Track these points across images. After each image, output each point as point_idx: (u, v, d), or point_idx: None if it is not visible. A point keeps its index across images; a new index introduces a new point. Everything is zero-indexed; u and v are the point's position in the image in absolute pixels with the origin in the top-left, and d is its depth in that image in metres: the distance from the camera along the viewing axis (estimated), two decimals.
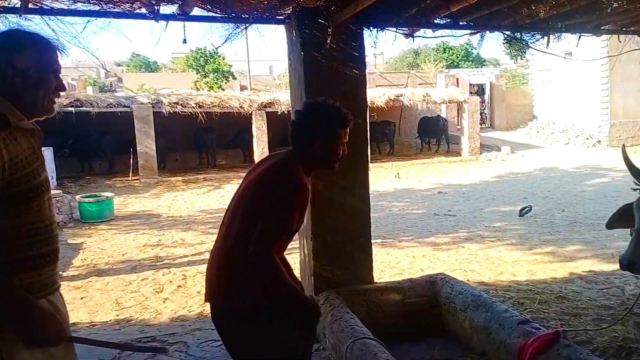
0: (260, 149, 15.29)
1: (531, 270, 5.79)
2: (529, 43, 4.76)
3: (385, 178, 14.32)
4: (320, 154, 2.22)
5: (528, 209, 8.91)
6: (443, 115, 20.16)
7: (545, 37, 4.66)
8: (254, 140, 15.45)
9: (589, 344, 3.81)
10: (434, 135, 19.02)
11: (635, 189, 2.82)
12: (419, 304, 3.99)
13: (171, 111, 14.42)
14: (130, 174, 14.20)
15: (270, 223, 2.05)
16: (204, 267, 6.15)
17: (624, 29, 4.77)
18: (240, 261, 2.04)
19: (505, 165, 16.24)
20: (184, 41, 3.85)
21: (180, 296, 5.12)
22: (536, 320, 3.70)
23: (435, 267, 5.94)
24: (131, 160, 14.20)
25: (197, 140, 16.26)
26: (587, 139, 18.90)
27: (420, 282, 4.11)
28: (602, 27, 4.78)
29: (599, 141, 18.50)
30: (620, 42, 5.10)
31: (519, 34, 4.57)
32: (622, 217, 2.84)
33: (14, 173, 1.53)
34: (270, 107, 15.43)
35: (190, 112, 14.51)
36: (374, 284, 4.06)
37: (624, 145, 2.87)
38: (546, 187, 11.92)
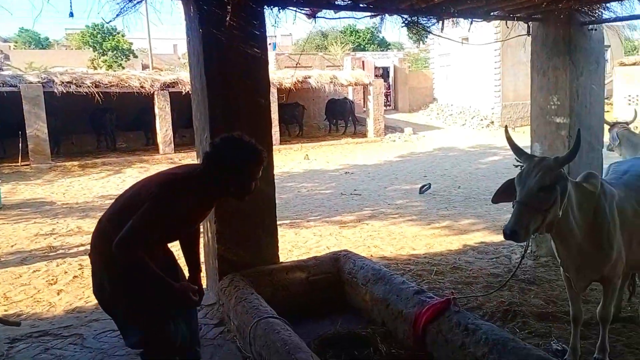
0: (163, 131, 14.72)
1: (429, 244, 6.13)
2: (426, 27, 4.96)
3: (294, 160, 14.40)
4: (232, 188, 2.32)
5: (427, 186, 9.38)
6: (350, 97, 20.58)
7: (441, 22, 4.89)
8: (157, 121, 14.83)
9: (478, 309, 4.12)
10: (341, 117, 19.38)
11: (516, 166, 3.05)
12: (323, 280, 4.09)
13: (64, 91, 13.40)
14: (20, 159, 13.08)
15: (135, 222, 2.20)
16: None
17: (511, 15, 5.12)
18: (108, 245, 2.22)
19: (407, 145, 16.96)
20: (71, 14, 3.59)
21: (76, 287, 4.83)
22: (432, 290, 3.94)
23: (341, 244, 6.10)
24: (20, 145, 13.06)
25: (94, 122, 15.29)
26: (482, 120, 20.21)
27: (325, 260, 4.20)
28: (492, 13, 5.09)
29: (492, 122, 19.87)
30: (507, 27, 5.47)
31: (416, 18, 4.74)
32: (506, 192, 3.04)
33: None
34: (173, 87, 14.85)
35: (86, 92, 13.59)
36: (280, 264, 4.09)
37: (506, 125, 3.09)
38: (444, 165, 12.62)
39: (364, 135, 18.50)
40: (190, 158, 12.79)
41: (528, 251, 5.63)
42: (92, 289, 2.50)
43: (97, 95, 13.64)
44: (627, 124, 6.68)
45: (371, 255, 5.57)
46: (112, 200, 2.60)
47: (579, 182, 3.08)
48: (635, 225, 3.10)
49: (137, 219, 2.19)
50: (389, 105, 23.49)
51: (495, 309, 4.12)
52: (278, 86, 15.96)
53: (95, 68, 23.19)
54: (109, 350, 3.27)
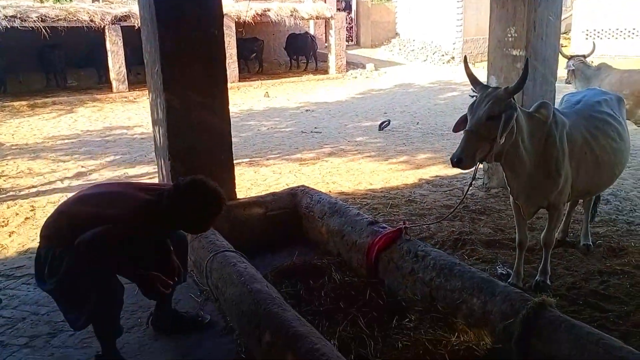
0: (116, 68, 14.07)
1: (386, 178, 6.23)
2: None
3: (254, 97, 14.12)
4: (191, 231, 2.62)
5: (387, 123, 9.42)
6: (311, 32, 20.05)
7: None
8: (109, 58, 14.14)
9: (430, 239, 4.28)
10: (302, 53, 18.94)
11: (472, 96, 3.08)
12: (281, 215, 4.14)
13: (8, 26, 12.51)
14: None
15: (99, 232, 2.24)
16: (55, 197, 5.73)
17: None
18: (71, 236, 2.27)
19: (369, 82, 16.83)
20: None
21: (28, 229, 4.74)
22: (386, 222, 4.05)
23: (300, 181, 6.13)
24: None
25: (42, 59, 14.41)
26: (443, 55, 20.14)
27: (282, 195, 4.24)
28: None
29: (453, 57, 19.84)
30: None
31: None
32: (465, 122, 3.08)
33: None
34: (125, 20, 14.06)
35: (32, 27, 12.73)
36: (237, 200, 4.10)
37: (465, 56, 3.08)
38: (404, 102, 12.65)
39: (326, 71, 18.21)
40: (145, 97, 12.34)
41: (480, 183, 5.84)
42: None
43: (44, 30, 12.81)
44: (585, 57, 6.79)
45: (329, 191, 5.64)
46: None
47: (531, 112, 3.15)
48: (583, 153, 3.22)
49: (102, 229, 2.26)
50: (351, 41, 23.04)
51: (446, 238, 4.29)
52: (236, 19, 15.36)
53: (41, 1, 21.65)
54: None
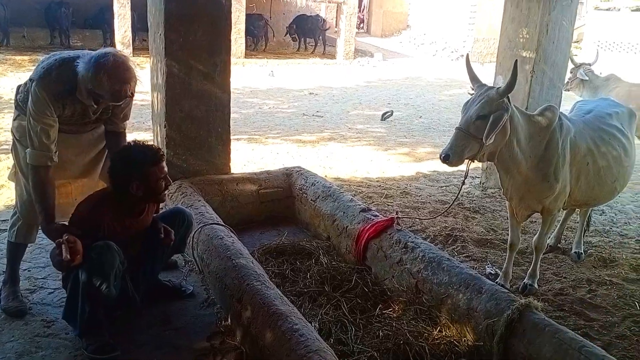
0: (122, 32, 13.88)
1: (383, 169, 6.19)
2: None
3: (259, 75, 13.99)
4: (142, 194, 2.39)
5: (389, 113, 9.35)
6: (322, 15, 19.82)
7: None
8: (115, 21, 13.95)
9: (422, 232, 4.25)
10: (311, 34, 18.72)
11: (470, 94, 3.02)
12: (274, 194, 4.10)
13: None
14: None
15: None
16: None
17: None
18: None
19: (375, 71, 16.68)
20: None
21: None
22: (379, 212, 4.01)
23: (296, 163, 6.06)
24: None
25: (48, 15, 14.21)
26: (452, 52, 19.98)
27: (277, 174, 4.19)
28: None
29: (462, 55, 19.68)
30: None
31: None
32: None
33: None
34: None
35: None
36: (230, 175, 4.05)
37: (467, 54, 3.02)
38: (409, 94, 12.55)
39: (333, 56, 18.03)
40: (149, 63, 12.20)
41: (478, 182, 5.81)
42: None
43: None
44: (589, 65, 6.71)
45: (326, 176, 5.58)
46: None
47: (534, 114, 3.10)
48: (585, 163, 3.17)
49: None
50: (362, 28, 22.82)
51: (438, 233, 4.26)
52: None
53: None
54: (47, 247, 3.21)
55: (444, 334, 2.49)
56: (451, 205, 3.54)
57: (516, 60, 2.97)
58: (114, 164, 2.43)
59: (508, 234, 3.44)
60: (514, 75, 2.72)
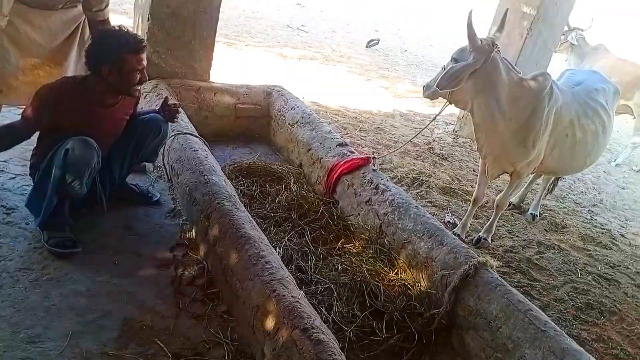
0: None
1: (361, 100, 6.11)
2: None
3: None
4: (112, 79, 2.26)
5: (376, 42, 9.12)
6: None
7: None
8: None
9: (390, 171, 4.30)
10: None
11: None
12: (251, 110, 4.01)
13: None
14: None
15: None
16: None
17: None
18: None
19: None
20: None
21: None
22: (353, 145, 4.01)
23: (275, 79, 5.91)
24: None
25: None
26: None
27: (257, 91, 4.08)
28: None
29: None
30: None
31: None
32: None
33: None
34: None
35: None
36: (209, 83, 3.91)
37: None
38: (399, 24, 12.21)
39: None
40: None
41: (451, 129, 5.86)
42: None
43: None
44: (582, 30, 6.66)
45: (303, 98, 5.48)
46: None
47: (525, 77, 3.07)
48: (564, 135, 3.22)
49: None
50: None
51: (405, 175, 4.32)
52: None
53: None
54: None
55: (399, 276, 2.59)
56: (405, 144, 3.52)
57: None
58: (92, 42, 2.31)
59: (475, 189, 3.52)
60: (470, 28, 2.76)
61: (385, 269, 2.64)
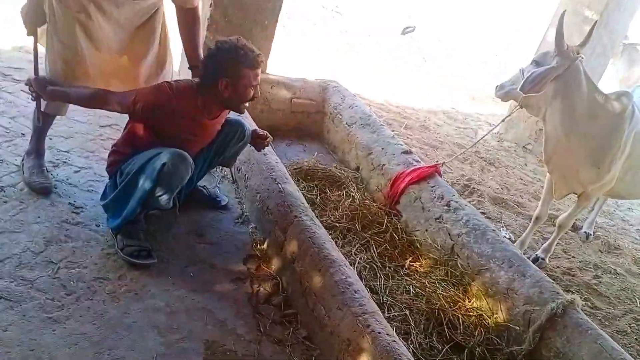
0: None
1: (404, 95, 5.94)
2: None
3: None
4: (226, 94, 2.16)
5: (411, 29, 8.84)
6: None
7: None
8: None
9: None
10: None
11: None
12: (306, 106, 3.87)
13: None
14: None
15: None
16: None
17: None
18: None
19: None
20: None
21: None
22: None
23: (313, 67, 5.73)
24: None
25: None
26: None
27: (313, 85, 3.93)
28: None
29: None
30: None
31: None
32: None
33: None
34: None
35: None
36: (267, 75, 3.75)
37: (564, 11, 2.76)
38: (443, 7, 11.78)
39: None
40: None
41: (495, 131, 5.70)
42: None
43: None
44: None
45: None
46: None
47: (607, 94, 2.93)
48: (639, 160, 3.09)
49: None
50: None
51: (456, 181, 4.21)
52: None
53: None
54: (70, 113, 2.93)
55: (476, 305, 2.49)
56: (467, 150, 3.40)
57: (564, 11, 2.79)
58: (211, 53, 2.17)
59: (539, 204, 3.39)
60: (559, 30, 2.66)
61: (460, 295, 2.54)
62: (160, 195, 2.06)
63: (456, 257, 2.70)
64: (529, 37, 9.96)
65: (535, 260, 3.38)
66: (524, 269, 2.44)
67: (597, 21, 3.14)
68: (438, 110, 5.88)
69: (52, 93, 2.21)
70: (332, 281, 2.04)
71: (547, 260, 3.41)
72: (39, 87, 2.20)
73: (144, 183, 2.04)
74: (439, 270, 2.70)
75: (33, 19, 2.26)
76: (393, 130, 4.75)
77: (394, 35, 8.58)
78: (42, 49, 2.31)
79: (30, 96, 2.29)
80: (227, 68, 2.12)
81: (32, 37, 2.30)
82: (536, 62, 2.80)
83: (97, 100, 2.17)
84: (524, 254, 3.40)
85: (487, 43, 9.65)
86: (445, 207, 2.84)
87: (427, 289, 2.53)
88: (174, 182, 2.07)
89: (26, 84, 2.27)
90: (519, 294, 2.37)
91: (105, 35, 2.28)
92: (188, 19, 2.39)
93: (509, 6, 11.44)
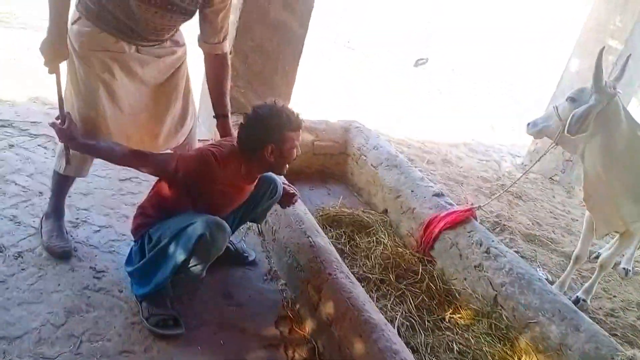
0: None
1: (423, 128, 5.83)
2: None
3: None
4: (272, 159, 2.08)
5: (424, 61, 8.83)
6: None
7: None
8: None
9: None
10: None
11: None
12: (329, 148, 3.76)
13: None
14: None
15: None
16: None
17: None
18: None
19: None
20: None
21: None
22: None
23: (331, 104, 5.66)
24: None
25: None
26: None
27: (335, 127, 3.83)
28: None
29: None
30: None
31: None
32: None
33: None
34: None
35: None
36: None
37: (603, 48, 2.64)
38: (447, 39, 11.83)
39: None
40: None
41: (520, 162, 5.56)
42: None
43: None
44: None
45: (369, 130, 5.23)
46: None
47: None
48: None
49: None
50: None
51: (485, 219, 4.04)
52: None
53: None
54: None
55: None
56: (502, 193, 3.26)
57: (603, 47, 2.66)
58: (251, 119, 2.08)
59: (578, 244, 3.21)
60: (598, 66, 2.52)
61: (508, 351, 2.36)
62: (193, 266, 1.93)
63: (500, 308, 2.52)
64: (541, 62, 9.89)
65: (577, 302, 3.19)
66: (578, 322, 2.26)
67: (630, 55, 3.00)
68: (459, 142, 5.75)
69: (82, 146, 2.07)
70: (375, 348, 1.88)
71: (588, 301, 3.21)
72: (66, 138, 2.04)
73: (178, 253, 1.91)
74: (482, 323, 2.52)
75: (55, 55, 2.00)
76: (416, 167, 4.64)
77: (407, 67, 8.56)
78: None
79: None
80: (272, 134, 2.03)
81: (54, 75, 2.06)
82: (572, 99, 2.68)
83: (132, 160, 2.04)
84: (564, 294, 3.24)
85: (501, 70, 9.59)
86: (485, 254, 2.68)
87: (472, 345, 2.35)
88: (212, 253, 1.94)
89: (50, 125, 2.07)
90: (574, 350, 2.19)
91: (129, 94, 2.19)
92: (217, 66, 2.30)
93: (519, 29, 11.41)
